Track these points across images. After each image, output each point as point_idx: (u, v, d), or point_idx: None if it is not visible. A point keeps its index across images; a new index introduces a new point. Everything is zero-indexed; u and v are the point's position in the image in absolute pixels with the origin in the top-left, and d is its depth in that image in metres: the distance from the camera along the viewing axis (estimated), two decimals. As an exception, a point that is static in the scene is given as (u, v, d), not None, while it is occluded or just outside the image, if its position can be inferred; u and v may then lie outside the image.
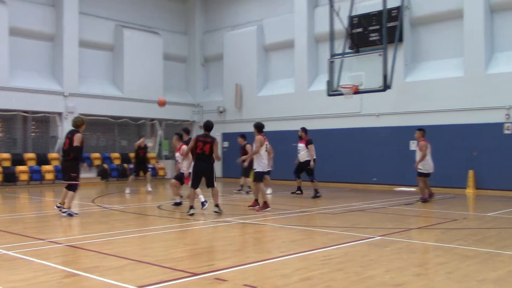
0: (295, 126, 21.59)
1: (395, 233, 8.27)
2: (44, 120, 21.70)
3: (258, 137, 11.40)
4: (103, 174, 21.78)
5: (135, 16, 24.07)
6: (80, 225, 9.94)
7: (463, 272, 5.56)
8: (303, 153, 14.75)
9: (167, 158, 25.27)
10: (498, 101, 16.33)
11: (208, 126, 10.90)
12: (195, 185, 10.62)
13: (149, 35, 24.01)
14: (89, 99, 21.69)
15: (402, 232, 8.42)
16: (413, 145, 18.12)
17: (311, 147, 14.66)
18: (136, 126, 25.28)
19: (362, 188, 18.66)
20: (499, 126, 16.31)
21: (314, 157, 14.66)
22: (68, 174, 10.26)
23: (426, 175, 13.25)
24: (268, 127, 22.35)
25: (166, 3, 25.53)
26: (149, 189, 16.82)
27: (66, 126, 20.93)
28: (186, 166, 11.93)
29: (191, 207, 10.51)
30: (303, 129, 15.22)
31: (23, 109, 20.33)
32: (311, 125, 21.00)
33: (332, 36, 16.12)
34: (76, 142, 10.16)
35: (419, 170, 13.14)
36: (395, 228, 8.93)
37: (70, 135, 10.37)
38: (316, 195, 14.43)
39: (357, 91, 15.27)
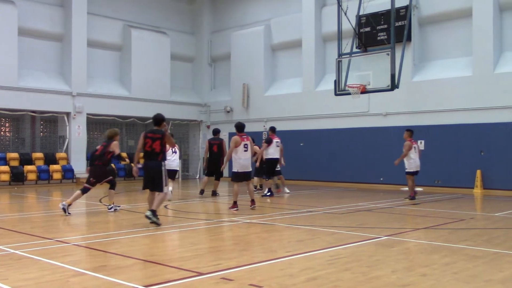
0: (303, 125, 21.64)
1: (402, 233, 8.24)
2: (52, 120, 21.82)
3: (234, 138, 11.40)
4: (111, 174, 21.81)
5: (143, 16, 24.15)
6: (87, 224, 9.99)
7: (470, 273, 5.53)
8: (272, 151, 15.07)
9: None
10: (507, 101, 16.22)
11: (239, 126, 11.51)
12: (144, 186, 9.59)
13: (157, 35, 24.07)
14: (97, 99, 21.78)
15: (409, 232, 8.39)
16: (421, 145, 18.07)
17: (265, 145, 15.03)
18: (143, 126, 25.35)
19: (369, 188, 18.61)
20: (507, 125, 16.20)
21: (267, 157, 14.96)
22: (102, 178, 11.17)
23: (413, 173, 14.02)
24: (275, 127, 22.39)
25: (173, 3, 25.59)
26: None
27: (74, 126, 21.09)
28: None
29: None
30: (271, 129, 15.72)
31: (32, 109, 20.46)
32: (318, 125, 21.02)
33: (339, 36, 16.06)
34: (116, 149, 11.24)
35: (406, 170, 14.02)
36: (402, 228, 8.90)
37: (106, 144, 11.29)
38: (266, 194, 14.86)
39: (364, 91, 15.20)
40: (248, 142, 11.43)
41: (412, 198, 13.87)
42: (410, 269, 5.69)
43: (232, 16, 25.32)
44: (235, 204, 11.34)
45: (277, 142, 15.23)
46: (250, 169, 11.62)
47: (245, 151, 11.33)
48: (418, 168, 14.03)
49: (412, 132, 14.35)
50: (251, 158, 11.71)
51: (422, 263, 6.04)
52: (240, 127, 11.63)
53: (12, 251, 6.57)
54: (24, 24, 20.03)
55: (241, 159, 11.27)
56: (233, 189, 11.52)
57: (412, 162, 13.88)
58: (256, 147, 16.25)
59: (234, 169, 11.40)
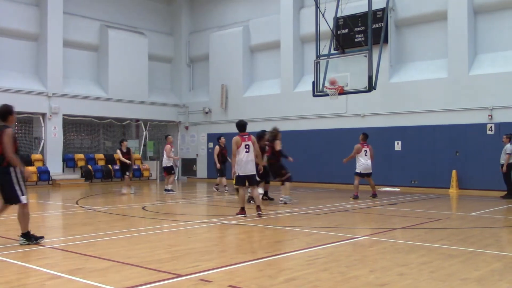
0: (281, 126, 21.48)
1: (380, 233, 8.32)
2: (28, 121, 21.47)
3: (234, 138, 10.45)
4: (87, 175, 21.61)
5: (120, 16, 23.93)
6: (64, 227, 9.85)
7: (447, 272, 5.61)
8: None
9: (152, 159, 25.14)
10: (481, 102, 16.52)
11: (240, 125, 10.48)
12: None
13: (134, 36, 23.89)
14: (73, 100, 21.51)
15: (386, 232, 8.47)
16: (397, 146, 18.27)
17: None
18: (121, 127, 25.13)
19: (346, 188, 18.73)
20: (482, 126, 16.50)
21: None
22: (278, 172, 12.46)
23: (360, 174, 14.55)
24: (254, 128, 22.40)
25: (151, 3, 25.42)
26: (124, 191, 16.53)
27: (49, 127, 20.77)
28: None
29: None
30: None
31: (6, 109, 20.05)
32: (297, 126, 21.09)
33: (317, 37, 16.18)
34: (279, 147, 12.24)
35: (356, 170, 14.70)
36: (380, 228, 8.99)
37: (269, 143, 12.37)
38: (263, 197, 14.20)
39: (342, 92, 15.33)
40: (249, 142, 10.38)
41: (356, 197, 14.24)
42: (388, 269, 5.75)
43: (210, 17, 25.27)
44: (242, 210, 10.42)
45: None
46: (254, 172, 10.51)
47: (247, 152, 10.30)
48: (368, 170, 14.57)
49: (367, 136, 14.85)
50: (254, 160, 10.51)
51: (400, 262, 6.11)
52: (241, 126, 10.53)
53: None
54: (-1, 23, 19.70)
55: (242, 160, 10.28)
56: (239, 193, 10.77)
57: (360, 164, 14.49)
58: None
59: (237, 172, 10.43)
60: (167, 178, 16.85)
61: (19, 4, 20.62)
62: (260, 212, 10.41)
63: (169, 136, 17.41)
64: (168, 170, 16.74)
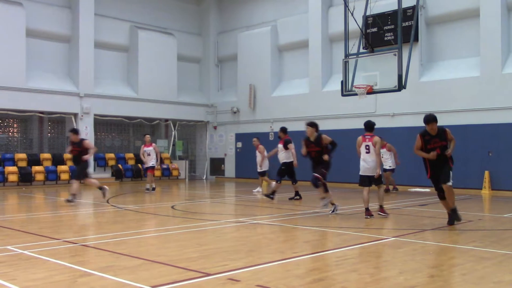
0: (309, 126, 21.59)
1: (410, 234, 8.21)
2: (60, 121, 21.93)
3: (357, 138, 10.96)
4: (118, 174, 21.94)
5: (150, 17, 24.22)
6: (95, 225, 10.03)
7: (479, 274, 5.49)
8: (282, 154, 14.51)
9: (180, 158, 25.38)
10: (515, 101, 16.14)
11: (367, 125, 10.94)
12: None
13: (164, 36, 24.14)
14: (104, 100, 21.87)
15: (416, 233, 8.35)
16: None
17: (291, 146, 14.40)
18: (150, 127, 25.44)
19: (376, 188, 18.51)
20: (516, 126, 16.11)
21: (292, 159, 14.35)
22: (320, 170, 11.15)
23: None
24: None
25: (180, 4, 25.65)
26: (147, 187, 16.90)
27: (81, 127, 21.17)
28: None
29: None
30: (282, 129, 15.00)
31: (40, 109, 20.57)
32: (325, 126, 20.94)
33: (346, 36, 16.04)
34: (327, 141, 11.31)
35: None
36: (410, 229, 8.86)
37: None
38: (295, 197, 14.14)
39: (371, 91, 15.16)
40: (370, 143, 10.67)
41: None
42: (418, 270, 5.67)
43: (238, 17, 25.34)
44: (368, 211, 10.38)
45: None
46: (374, 173, 10.57)
47: (367, 152, 10.62)
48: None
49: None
50: (376, 160, 10.57)
51: (430, 264, 6.02)
52: (367, 126, 10.95)
53: (21, 251, 6.60)
54: (32, 26, 20.15)
55: (363, 161, 10.69)
56: (363, 194, 10.66)
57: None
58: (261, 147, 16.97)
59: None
60: (151, 177, 16.85)
61: (52, 7, 21.07)
62: (383, 214, 10.48)
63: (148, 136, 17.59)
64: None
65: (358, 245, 7.26)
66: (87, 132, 21.46)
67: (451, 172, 8.91)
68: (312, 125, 11.26)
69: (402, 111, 18.68)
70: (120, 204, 13.07)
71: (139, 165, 22.88)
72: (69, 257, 6.35)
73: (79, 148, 13.19)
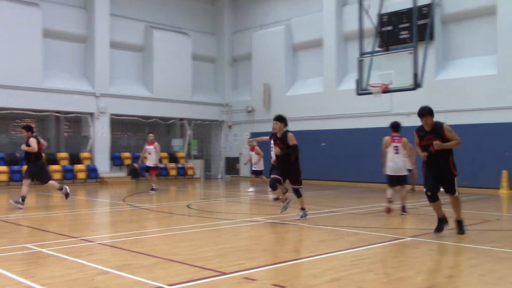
0: (324, 125, 21.55)
1: (427, 234, 8.14)
2: (77, 120, 22.14)
3: (384, 138, 10.90)
4: (133, 174, 22.07)
5: (165, 17, 24.32)
6: (111, 223, 10.11)
7: (498, 275, 5.44)
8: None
9: (195, 157, 25.46)
10: (533, 100, 15.92)
11: (394, 126, 10.76)
12: None
13: (178, 36, 24.23)
14: (119, 100, 22.02)
15: (433, 234, 8.28)
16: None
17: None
18: (165, 126, 25.56)
19: (399, 188, 18.41)
20: (534, 125, 15.89)
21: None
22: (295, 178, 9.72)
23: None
24: (296, 127, 22.28)
25: (195, 3, 25.73)
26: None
27: (97, 126, 21.36)
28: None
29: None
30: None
31: (56, 109, 20.78)
32: (340, 125, 20.90)
33: (361, 35, 15.96)
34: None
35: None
36: (427, 229, 8.78)
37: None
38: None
39: (386, 90, 15.09)
40: (399, 144, 10.63)
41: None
42: (436, 271, 5.62)
43: (253, 16, 25.35)
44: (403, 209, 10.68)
45: None
46: (404, 173, 10.83)
47: (396, 153, 10.63)
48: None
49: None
50: (404, 160, 10.79)
51: (448, 264, 5.97)
52: (394, 126, 10.78)
53: (39, 249, 6.68)
54: (48, 26, 20.34)
55: (391, 161, 10.67)
56: (386, 192, 10.88)
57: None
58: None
59: (386, 172, 10.83)
60: (152, 177, 16.50)
61: (68, 7, 21.27)
62: (405, 213, 10.57)
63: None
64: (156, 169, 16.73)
65: (374, 244, 7.22)
66: (103, 131, 21.66)
67: (456, 180, 8.00)
68: (281, 119, 9.87)
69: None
70: (136, 203, 13.15)
71: (135, 164, 22.93)
72: (87, 255, 6.41)
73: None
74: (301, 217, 9.79)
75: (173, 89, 23.63)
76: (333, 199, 14.37)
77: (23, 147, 11.64)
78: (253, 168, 16.84)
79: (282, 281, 5.14)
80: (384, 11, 17.05)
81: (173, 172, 23.40)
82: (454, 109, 17.63)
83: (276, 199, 13.39)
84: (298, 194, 9.74)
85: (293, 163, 9.64)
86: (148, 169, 16.56)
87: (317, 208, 11.93)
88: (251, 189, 16.82)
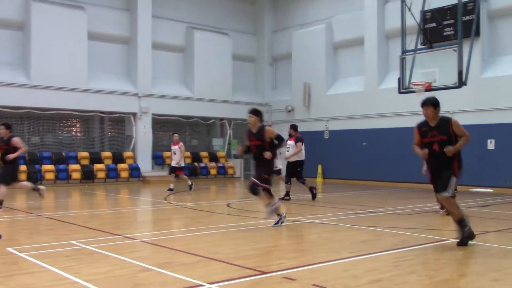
0: (365, 125, 21.29)
1: (471, 236, 7.91)
2: (120, 120, 22.63)
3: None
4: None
5: (205, 17, 24.56)
6: (153, 222, 10.29)
7: (547, 279, 5.24)
8: (292, 151, 13.42)
9: (235, 157, 25.59)
10: None
11: None
12: None
13: (219, 36, 24.41)
14: (161, 100, 22.38)
15: (479, 235, 8.03)
16: (490, 144, 17.33)
17: (300, 145, 13.37)
18: (206, 126, 25.80)
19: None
20: None
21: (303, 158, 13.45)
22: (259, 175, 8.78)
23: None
24: (337, 126, 22.11)
25: (235, 4, 25.87)
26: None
27: (140, 126, 21.78)
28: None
29: None
30: (293, 126, 14.02)
31: (100, 110, 21.30)
32: (381, 124, 20.60)
33: (403, 32, 15.67)
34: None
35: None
36: (471, 230, 8.55)
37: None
38: (313, 195, 13.34)
39: (430, 88, 14.75)
40: None
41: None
42: (480, 274, 5.46)
43: (292, 15, 25.27)
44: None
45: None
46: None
47: None
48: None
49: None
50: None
51: (493, 267, 5.79)
52: None
53: (84, 246, 6.86)
54: (93, 28, 20.87)
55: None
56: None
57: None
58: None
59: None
60: (182, 177, 16.73)
61: (111, 10, 21.77)
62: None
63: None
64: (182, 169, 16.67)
65: (416, 246, 7.08)
66: (145, 131, 22.05)
67: (452, 179, 6.93)
68: (256, 113, 8.82)
69: (463, 109, 18.04)
70: (178, 202, 13.34)
71: (195, 163, 23.27)
72: (129, 253, 6.54)
73: (7, 146, 11.09)
74: (270, 213, 8.75)
75: (214, 89, 23.83)
76: (374, 200, 14.17)
77: (13, 155, 10.95)
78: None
79: (322, 281, 5.11)
80: (427, 7, 16.70)
81: (213, 171, 23.61)
82: (501, 108, 17.10)
83: (283, 198, 13.16)
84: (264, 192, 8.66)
85: (268, 160, 8.63)
86: (174, 169, 16.57)
87: (358, 209, 11.79)
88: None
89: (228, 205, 12.54)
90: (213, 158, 24.53)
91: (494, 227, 9.08)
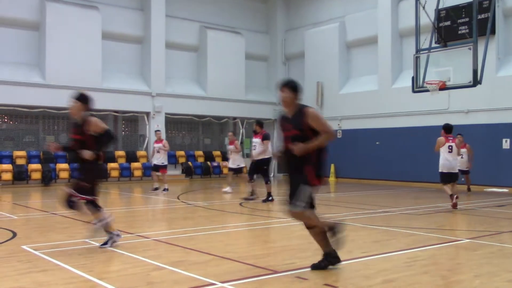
0: (379, 124, 21.19)
1: (486, 236, 7.85)
2: (133, 120, 22.76)
3: (439, 139, 11.92)
4: (188, 172, 22.47)
5: (218, 17, 24.60)
6: (166, 220, 10.34)
7: (562, 280, 5.17)
8: (259, 149, 12.93)
9: (248, 156, 25.58)
10: None
11: (448, 128, 11.91)
12: None
13: (232, 35, 24.44)
14: (174, 99, 22.47)
15: (493, 236, 7.97)
16: (505, 144, 17.14)
17: (267, 143, 12.97)
18: (219, 125, 25.85)
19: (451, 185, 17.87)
20: None
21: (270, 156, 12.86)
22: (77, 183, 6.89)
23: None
24: (350, 125, 22.03)
25: (248, 3, 25.87)
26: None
27: (153, 125, 21.88)
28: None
29: None
30: (259, 123, 13.43)
31: (114, 109, 21.43)
32: (395, 123, 20.48)
33: (417, 31, 15.56)
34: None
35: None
36: (486, 231, 8.48)
37: None
38: (268, 199, 12.81)
39: (444, 87, 14.63)
40: (453, 144, 11.74)
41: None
42: (495, 275, 5.41)
43: (306, 14, 25.21)
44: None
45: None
46: (457, 170, 12.00)
47: (450, 152, 11.71)
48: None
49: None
50: (456, 158, 11.94)
51: (508, 268, 5.73)
52: (448, 128, 11.98)
53: (97, 244, 6.91)
54: (107, 28, 21.00)
55: (447, 159, 11.76)
56: (445, 189, 11.80)
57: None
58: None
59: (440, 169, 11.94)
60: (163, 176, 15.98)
61: (125, 9, 21.90)
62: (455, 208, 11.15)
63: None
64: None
65: (429, 246, 7.03)
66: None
67: (303, 189, 5.29)
68: (81, 98, 6.78)
69: (477, 108, 17.88)
70: (190, 201, 13.39)
71: (208, 162, 23.33)
72: (142, 251, 6.58)
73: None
74: (96, 230, 6.75)
75: (227, 88, 23.87)
76: (387, 199, 14.11)
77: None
78: (231, 166, 15.64)
79: (334, 281, 5.10)
80: (441, 6, 16.54)
81: (225, 171, 23.62)
82: (516, 107, 16.92)
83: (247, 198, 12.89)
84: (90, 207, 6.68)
85: (89, 162, 6.54)
86: (157, 167, 16.06)
87: (371, 208, 11.74)
88: (228, 189, 15.63)
89: (240, 204, 12.56)
90: (226, 157, 24.55)
91: (509, 227, 8.99)
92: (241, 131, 25.42)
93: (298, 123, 5.35)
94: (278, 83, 5.70)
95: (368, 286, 4.92)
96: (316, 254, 6.52)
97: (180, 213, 11.28)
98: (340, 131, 22.51)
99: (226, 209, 11.86)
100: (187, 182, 21.08)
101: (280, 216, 10.47)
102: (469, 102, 18.00)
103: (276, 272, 5.42)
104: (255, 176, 13.35)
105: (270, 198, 12.88)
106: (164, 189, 15.83)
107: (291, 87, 5.55)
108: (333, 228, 5.51)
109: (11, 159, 18.99)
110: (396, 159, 20.35)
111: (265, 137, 12.95)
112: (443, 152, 11.75)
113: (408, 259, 6.17)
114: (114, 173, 20.43)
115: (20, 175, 18.44)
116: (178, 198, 14.02)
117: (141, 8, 22.34)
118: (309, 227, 5.60)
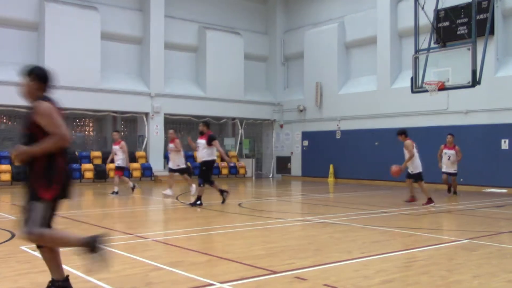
0: (378, 124, 21.18)
1: (485, 237, 7.85)
2: (132, 120, 22.75)
3: (408, 142, 12.96)
4: (187, 172, 22.42)
5: (217, 17, 24.60)
6: (165, 221, 10.33)
7: (562, 281, 5.17)
8: (204, 151, 12.23)
9: (247, 156, 25.62)
10: None
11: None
12: None
13: (231, 36, 24.44)
14: (173, 99, 22.46)
15: (492, 236, 7.97)
16: (504, 144, 17.15)
17: (217, 143, 12.37)
18: (218, 125, 25.85)
19: (445, 188, 17.87)
20: None
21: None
22: None
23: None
24: (349, 126, 22.04)
25: (247, 3, 25.87)
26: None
27: (152, 126, 21.88)
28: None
29: None
30: (205, 123, 12.78)
31: (113, 109, 21.42)
32: (394, 123, 20.46)
33: (416, 31, 15.58)
34: None
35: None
36: (485, 231, 8.48)
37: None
38: (196, 202, 11.98)
39: (443, 88, 14.65)
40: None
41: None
42: (494, 275, 5.41)
43: (305, 14, 25.22)
44: (430, 200, 12.26)
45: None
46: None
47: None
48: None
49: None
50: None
51: (508, 268, 5.73)
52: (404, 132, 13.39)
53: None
54: (106, 29, 20.98)
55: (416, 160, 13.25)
56: (421, 186, 12.64)
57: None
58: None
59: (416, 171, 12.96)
60: (117, 178, 15.10)
61: (124, 10, 21.89)
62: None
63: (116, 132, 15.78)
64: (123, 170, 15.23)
65: (429, 246, 7.03)
66: (157, 131, 22.14)
67: (32, 205, 4.17)
68: (36, 74, 4.55)
69: (476, 108, 17.89)
70: (189, 201, 13.36)
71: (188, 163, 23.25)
72: (141, 252, 6.57)
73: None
74: None
75: (226, 88, 23.86)
76: (386, 199, 14.10)
77: None
78: (172, 167, 15.00)
79: (333, 281, 5.09)
80: (440, 6, 16.57)
81: (224, 171, 23.64)
82: (515, 107, 16.93)
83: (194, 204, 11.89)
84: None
85: (39, 159, 4.26)
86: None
87: (370, 209, 11.74)
88: (168, 191, 14.66)
89: (239, 204, 12.55)
90: (166, 156, 24.41)
91: (508, 227, 8.99)
92: (240, 131, 25.42)
93: (27, 120, 4.36)
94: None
95: (368, 286, 4.92)
96: (316, 254, 6.51)
97: (179, 213, 11.27)
98: (339, 131, 22.51)
99: (225, 209, 11.84)
100: (186, 183, 21.02)
101: (280, 216, 10.47)
102: (468, 103, 18.01)
103: (275, 273, 5.41)
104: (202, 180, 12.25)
105: (198, 202, 11.95)
106: (115, 192, 14.81)
107: (30, 74, 4.44)
108: (89, 243, 4.49)
109: (10, 160, 18.96)
110: (395, 159, 20.28)
111: (211, 139, 12.21)
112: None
113: (407, 259, 6.17)
114: (113, 174, 20.35)
115: (19, 176, 18.42)
116: (176, 199, 14.00)
117: (140, 8, 22.33)
118: (39, 246, 4.47)
